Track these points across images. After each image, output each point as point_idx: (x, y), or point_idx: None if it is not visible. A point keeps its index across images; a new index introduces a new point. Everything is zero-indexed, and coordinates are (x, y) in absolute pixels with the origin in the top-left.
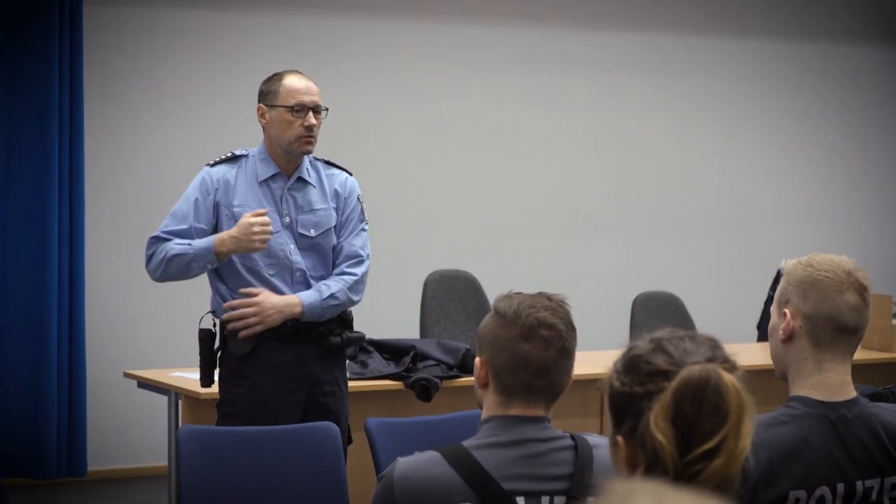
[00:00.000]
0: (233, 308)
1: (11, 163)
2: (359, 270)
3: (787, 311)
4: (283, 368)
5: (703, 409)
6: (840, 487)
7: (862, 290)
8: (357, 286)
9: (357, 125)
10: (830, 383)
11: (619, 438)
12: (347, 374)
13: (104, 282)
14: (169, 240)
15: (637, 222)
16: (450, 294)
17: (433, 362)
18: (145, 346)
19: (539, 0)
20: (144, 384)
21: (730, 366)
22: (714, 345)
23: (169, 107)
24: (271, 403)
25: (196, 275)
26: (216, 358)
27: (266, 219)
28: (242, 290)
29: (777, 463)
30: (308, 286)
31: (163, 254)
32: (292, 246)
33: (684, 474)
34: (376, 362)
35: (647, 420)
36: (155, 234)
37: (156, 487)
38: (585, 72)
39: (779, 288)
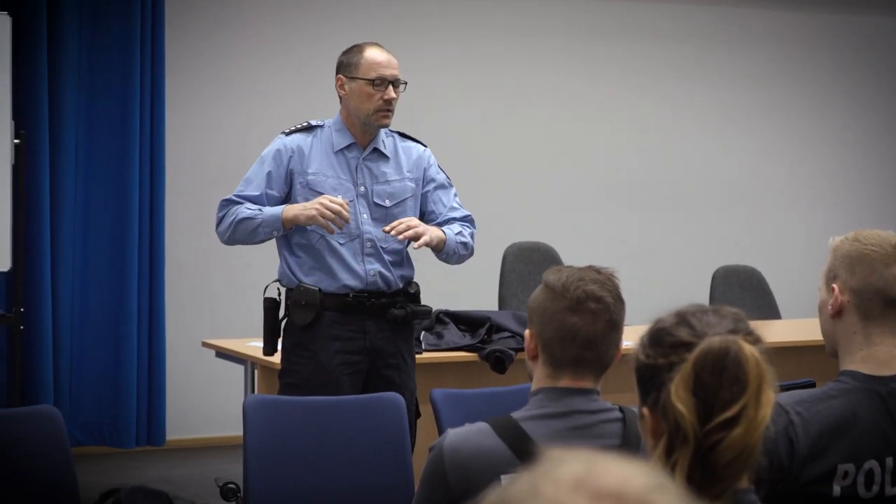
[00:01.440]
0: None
1: (93, 135)
2: (474, 228)
3: (835, 286)
4: (343, 340)
5: (722, 379)
6: (889, 461)
7: None
8: (472, 228)
9: (435, 96)
10: (880, 357)
11: (645, 410)
12: (423, 346)
13: (183, 253)
14: (240, 203)
15: (718, 195)
16: (528, 266)
17: (508, 334)
18: (223, 316)
19: None
20: (222, 354)
21: (753, 338)
22: (738, 318)
23: (248, 79)
24: (331, 374)
25: (262, 241)
26: (279, 327)
27: (343, 210)
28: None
29: (826, 437)
30: (380, 258)
31: (232, 217)
32: (365, 216)
33: (705, 443)
34: (452, 334)
35: (669, 390)
36: (227, 196)
37: (233, 456)
38: (666, 43)
39: (826, 264)
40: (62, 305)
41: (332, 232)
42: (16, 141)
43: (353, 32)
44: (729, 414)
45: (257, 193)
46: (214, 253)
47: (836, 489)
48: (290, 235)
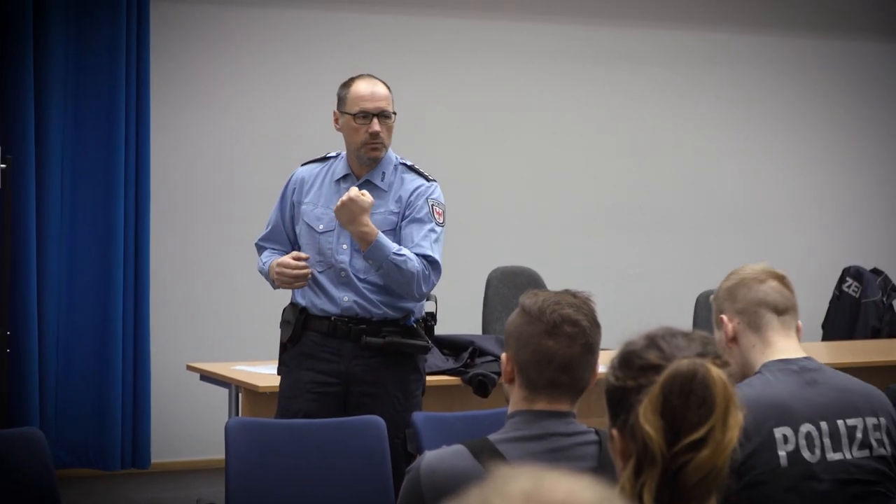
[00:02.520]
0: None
1: (78, 158)
2: (430, 272)
3: (723, 317)
4: (317, 360)
5: (690, 401)
6: (824, 425)
7: (780, 277)
8: (430, 270)
9: (418, 121)
10: (782, 350)
11: (614, 431)
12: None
13: (168, 276)
14: (264, 248)
15: (702, 219)
16: (512, 290)
17: (491, 358)
18: (208, 340)
19: None
20: (207, 377)
21: (720, 362)
22: (706, 341)
23: (233, 102)
24: (300, 391)
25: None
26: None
27: (301, 264)
28: (294, 255)
29: (758, 412)
30: (354, 287)
31: (259, 266)
32: (344, 246)
33: (672, 465)
34: (435, 357)
35: (637, 412)
36: (256, 241)
37: (218, 480)
38: (651, 68)
39: (713, 312)
40: (48, 329)
41: (301, 287)
42: (2, 166)
43: (340, 50)
44: (696, 436)
45: (270, 228)
46: (200, 276)
47: (783, 455)
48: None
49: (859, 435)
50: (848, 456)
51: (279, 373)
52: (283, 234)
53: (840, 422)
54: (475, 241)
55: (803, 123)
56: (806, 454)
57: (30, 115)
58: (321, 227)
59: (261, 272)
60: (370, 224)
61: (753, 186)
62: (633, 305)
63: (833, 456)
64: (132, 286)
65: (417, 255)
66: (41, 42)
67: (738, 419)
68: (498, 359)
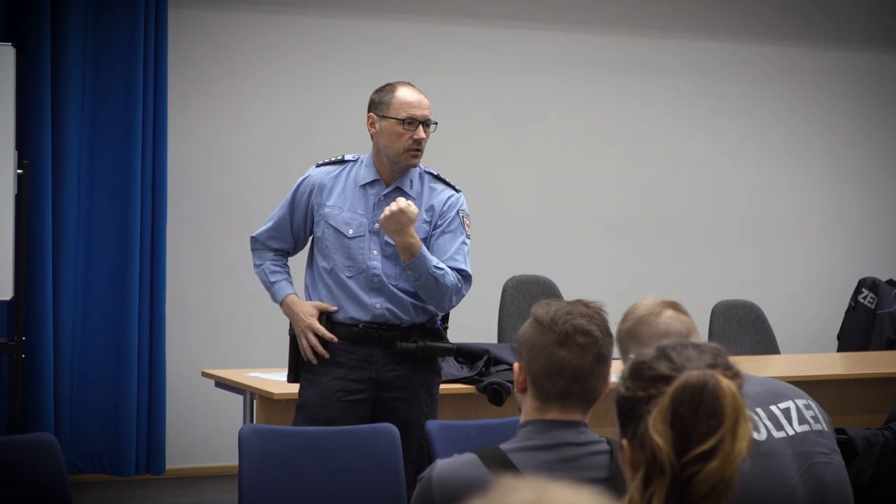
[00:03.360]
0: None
1: (94, 163)
2: (462, 285)
3: (631, 356)
4: (347, 368)
5: (699, 412)
6: (759, 411)
7: (673, 305)
8: (462, 283)
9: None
10: None
11: (624, 442)
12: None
13: (184, 282)
14: (267, 250)
15: (718, 230)
16: (528, 299)
17: (506, 367)
18: (223, 346)
19: (622, 7)
20: (221, 384)
21: (731, 373)
22: (717, 353)
23: (250, 107)
24: (329, 399)
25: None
26: (300, 355)
27: (318, 348)
28: (318, 306)
29: None
30: (387, 293)
31: (258, 268)
32: (375, 252)
33: (681, 476)
34: (450, 366)
35: (647, 423)
36: (253, 234)
37: (232, 486)
38: (666, 78)
39: (619, 355)
40: (63, 334)
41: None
42: (19, 171)
43: (356, 56)
44: (705, 447)
45: (272, 224)
46: (216, 283)
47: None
48: (311, 265)
49: (794, 414)
50: (791, 432)
51: (298, 380)
52: (288, 233)
53: (773, 407)
54: (491, 249)
55: (820, 134)
56: (754, 435)
57: (46, 120)
58: (350, 231)
59: (263, 279)
60: (415, 235)
61: (770, 196)
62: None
63: (777, 434)
64: (148, 291)
65: (451, 268)
66: (58, 45)
67: (747, 430)
68: (512, 368)
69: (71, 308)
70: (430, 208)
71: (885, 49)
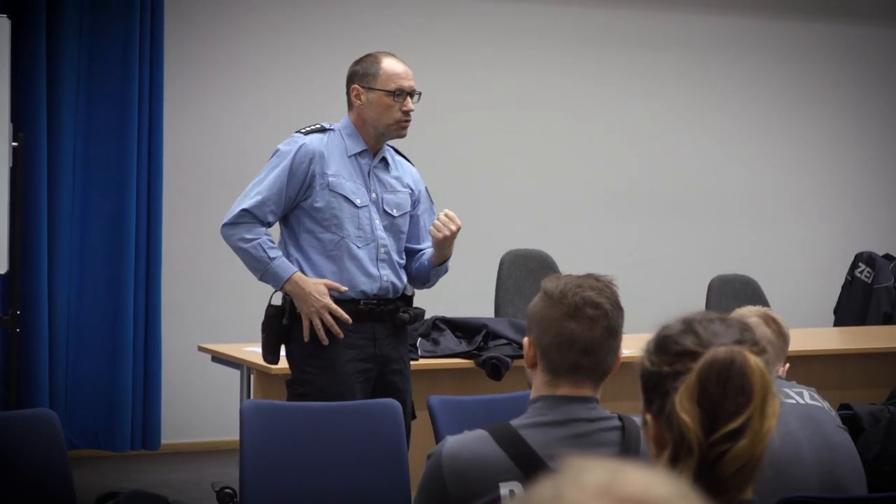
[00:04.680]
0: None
1: (91, 136)
2: None
3: (526, 339)
4: (357, 348)
5: (727, 390)
6: None
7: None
8: None
9: (433, 102)
10: None
11: (649, 417)
12: (419, 353)
13: (180, 257)
14: (259, 225)
15: (715, 204)
16: (525, 273)
17: (505, 341)
18: (219, 321)
19: None
20: (218, 358)
21: (758, 349)
22: (744, 328)
23: (247, 85)
24: (346, 384)
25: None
26: (283, 335)
27: (335, 326)
28: (328, 284)
29: None
30: (392, 265)
31: (247, 242)
32: (377, 221)
33: (710, 454)
34: (448, 340)
35: (673, 401)
36: (245, 207)
37: (228, 461)
38: (667, 52)
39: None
40: (59, 309)
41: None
42: (14, 143)
43: (352, 35)
44: (734, 425)
45: (264, 197)
46: (211, 257)
47: None
48: (302, 239)
49: (806, 393)
50: (801, 401)
51: (304, 368)
52: (281, 205)
53: (783, 386)
54: (488, 223)
55: (817, 109)
56: None
57: (42, 93)
58: (359, 201)
59: (258, 255)
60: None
61: (766, 171)
62: (646, 290)
63: (786, 400)
64: (143, 266)
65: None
66: (54, 18)
67: (775, 408)
68: (511, 342)
69: (66, 282)
70: (408, 185)
71: (882, 23)
